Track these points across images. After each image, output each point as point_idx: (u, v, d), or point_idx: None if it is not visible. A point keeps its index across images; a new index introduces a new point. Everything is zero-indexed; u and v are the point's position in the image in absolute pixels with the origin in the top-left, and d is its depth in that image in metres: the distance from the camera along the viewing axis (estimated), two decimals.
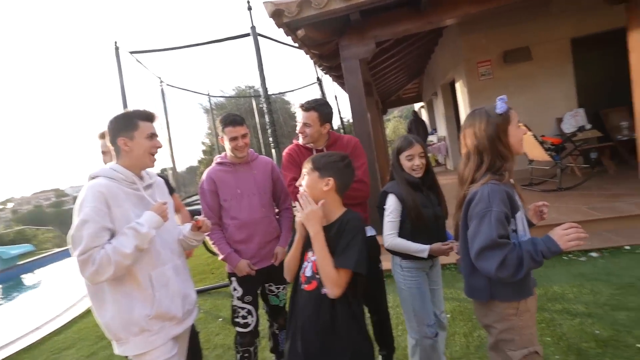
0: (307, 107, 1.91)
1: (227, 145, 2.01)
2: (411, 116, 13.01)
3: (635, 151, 4.29)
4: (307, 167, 1.38)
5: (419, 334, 1.77)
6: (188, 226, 1.63)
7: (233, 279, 2.06)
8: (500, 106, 1.25)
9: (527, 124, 4.88)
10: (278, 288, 2.16)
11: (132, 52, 5.37)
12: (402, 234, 1.74)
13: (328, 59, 4.86)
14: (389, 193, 1.76)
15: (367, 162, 1.98)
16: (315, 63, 5.74)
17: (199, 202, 2.19)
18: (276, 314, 2.22)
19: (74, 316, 4.22)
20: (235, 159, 2.06)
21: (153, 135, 1.50)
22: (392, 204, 1.74)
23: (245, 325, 2.05)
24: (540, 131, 5.41)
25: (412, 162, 1.74)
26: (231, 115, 2.04)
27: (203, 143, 20.82)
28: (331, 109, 1.99)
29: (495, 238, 1.13)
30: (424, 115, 14.54)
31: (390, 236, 1.74)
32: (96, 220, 1.32)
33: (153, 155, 1.51)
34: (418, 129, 10.57)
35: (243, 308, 2.05)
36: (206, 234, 1.70)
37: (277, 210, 2.23)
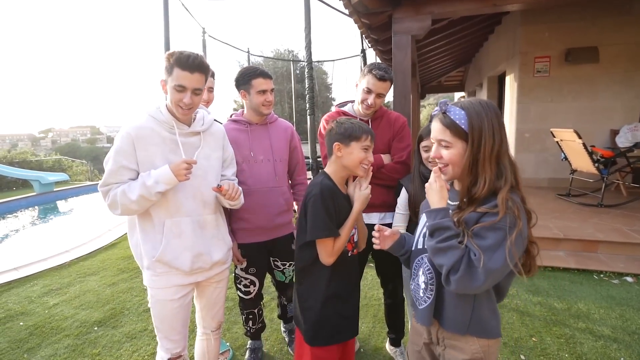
0: (387, 76, 1.71)
1: (253, 100, 1.81)
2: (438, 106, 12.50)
3: None
4: (369, 142, 1.38)
5: (412, 318, 1.82)
6: (224, 184, 1.50)
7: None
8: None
9: (579, 131, 4.55)
10: (284, 264, 2.06)
11: None
12: (409, 228, 1.74)
13: (377, 31, 4.63)
14: (402, 185, 1.74)
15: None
16: (362, 34, 5.48)
17: None
18: (282, 288, 2.17)
19: (100, 246, 4.49)
20: (253, 117, 1.88)
21: (182, 88, 1.35)
22: (401, 196, 1.74)
23: (247, 293, 2.01)
24: (591, 141, 5.05)
25: (427, 154, 1.61)
26: (259, 67, 1.85)
27: (235, 101, 20.91)
28: None
29: None
30: None
31: (396, 229, 1.75)
32: (116, 160, 1.36)
33: (182, 107, 1.38)
34: None
35: (246, 278, 1.98)
36: (234, 203, 1.54)
37: (290, 182, 2.09)
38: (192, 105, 1.39)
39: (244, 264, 1.95)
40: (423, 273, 1.12)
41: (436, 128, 1.06)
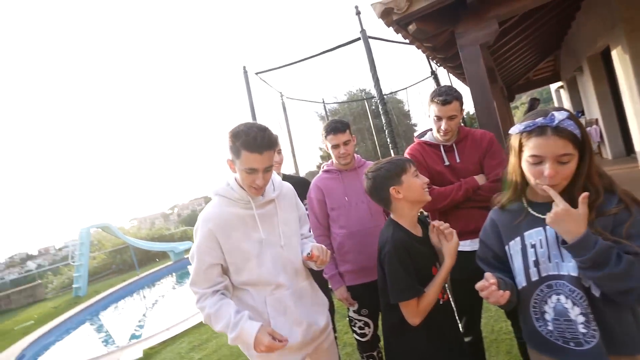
0: (450, 98, 1.68)
1: (332, 153, 2.01)
2: (527, 104, 11.05)
3: None
4: (414, 167, 1.36)
5: None
6: (308, 247, 1.45)
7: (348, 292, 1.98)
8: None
9: None
10: None
11: (257, 73, 6.13)
12: None
13: (442, 50, 4.55)
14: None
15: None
16: (428, 56, 5.45)
17: None
18: None
19: None
20: (340, 166, 2.04)
21: (253, 171, 1.28)
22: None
23: (363, 335, 2.01)
24: None
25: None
26: (332, 122, 1.99)
27: (320, 149, 22.23)
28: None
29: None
30: (564, 97, 12.17)
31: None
32: (200, 259, 1.33)
33: (254, 188, 1.34)
34: None
35: (359, 320, 2.00)
36: (322, 266, 1.48)
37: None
38: (265, 184, 1.34)
39: (356, 307, 1.99)
40: (577, 304, 0.96)
41: (556, 143, 0.93)
